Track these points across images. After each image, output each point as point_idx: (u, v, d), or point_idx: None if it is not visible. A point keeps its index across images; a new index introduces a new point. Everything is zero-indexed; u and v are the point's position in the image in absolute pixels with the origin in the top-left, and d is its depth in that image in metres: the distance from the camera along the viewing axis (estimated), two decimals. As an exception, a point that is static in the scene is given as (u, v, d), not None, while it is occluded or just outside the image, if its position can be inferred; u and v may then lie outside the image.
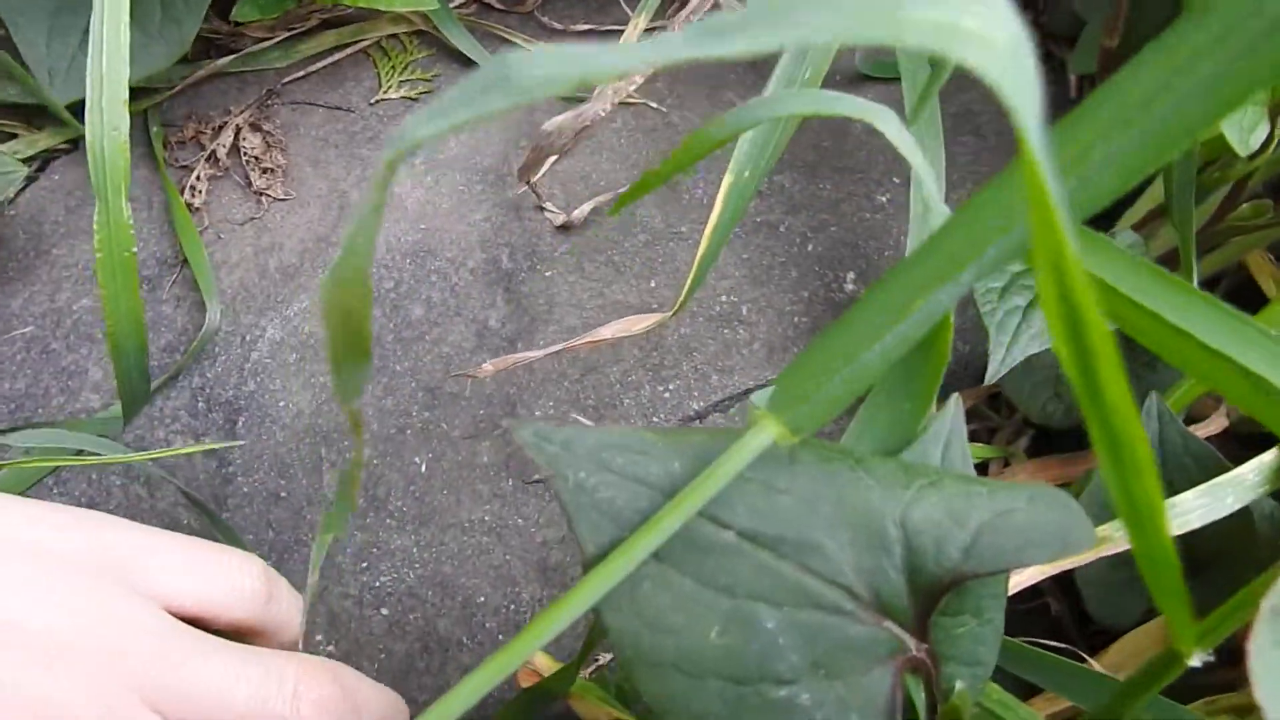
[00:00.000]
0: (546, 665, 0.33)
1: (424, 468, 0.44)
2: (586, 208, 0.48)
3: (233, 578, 0.29)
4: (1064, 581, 0.33)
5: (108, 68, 0.33)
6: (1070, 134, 0.18)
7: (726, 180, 0.35)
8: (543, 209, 0.48)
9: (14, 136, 0.50)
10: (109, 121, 0.32)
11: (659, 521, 0.20)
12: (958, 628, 0.21)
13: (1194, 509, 0.30)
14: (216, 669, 0.26)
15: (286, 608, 0.31)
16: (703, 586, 0.20)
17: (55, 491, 0.43)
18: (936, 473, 0.21)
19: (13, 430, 0.42)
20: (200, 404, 0.45)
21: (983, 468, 0.43)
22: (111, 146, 0.32)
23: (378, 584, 0.43)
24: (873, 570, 0.20)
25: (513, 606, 0.42)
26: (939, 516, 0.20)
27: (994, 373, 0.36)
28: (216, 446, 0.42)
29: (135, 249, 0.34)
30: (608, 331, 0.38)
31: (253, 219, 0.49)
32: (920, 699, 0.21)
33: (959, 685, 0.21)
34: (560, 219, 0.48)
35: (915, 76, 0.42)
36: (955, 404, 0.23)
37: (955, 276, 0.19)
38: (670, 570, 0.20)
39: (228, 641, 0.28)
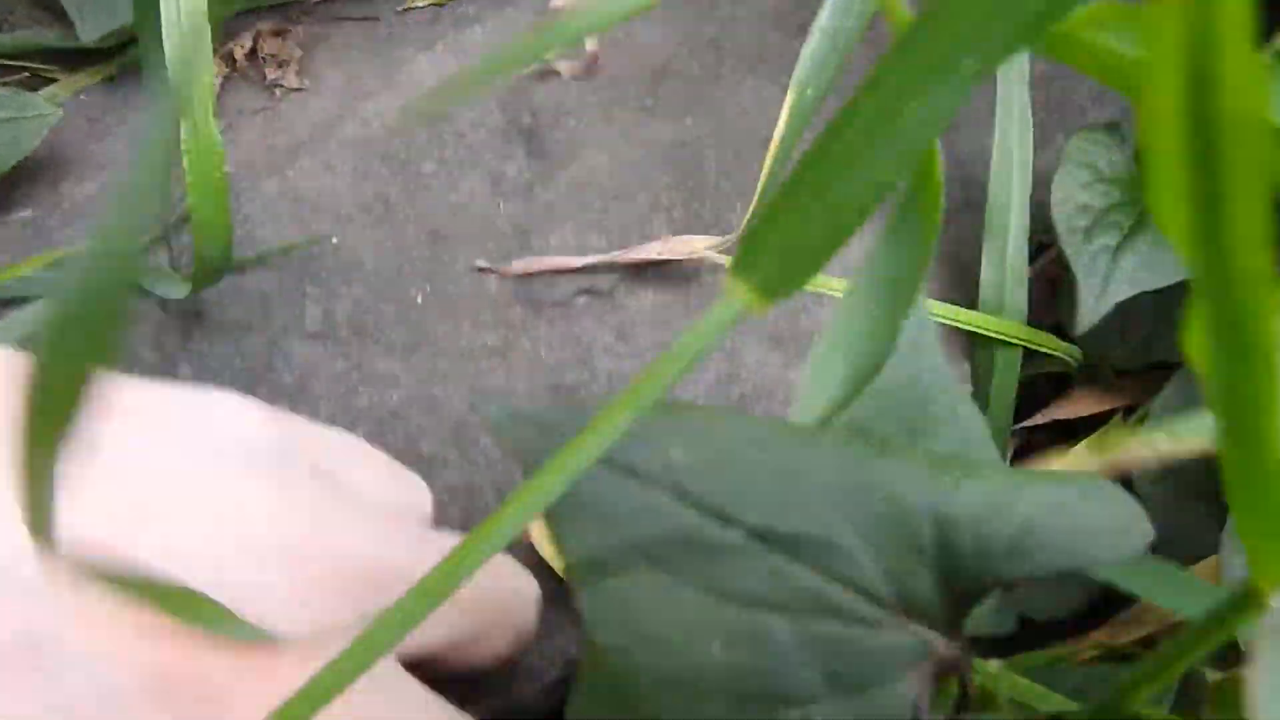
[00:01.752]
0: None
1: (419, 299, 0.42)
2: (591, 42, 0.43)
3: None
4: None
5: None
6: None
7: (790, 98, 0.33)
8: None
9: (54, 81, 0.49)
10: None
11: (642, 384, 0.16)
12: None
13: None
14: None
15: None
16: (705, 594, 0.18)
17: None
18: (975, 463, 0.18)
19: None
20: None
21: (1030, 385, 0.38)
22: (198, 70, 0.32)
23: (354, 405, 0.41)
24: (901, 571, 0.18)
25: (513, 422, 0.41)
26: (978, 511, 0.18)
27: (1087, 321, 0.32)
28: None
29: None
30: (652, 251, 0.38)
31: (265, 108, 0.47)
32: (952, 694, 0.19)
33: (990, 668, 0.20)
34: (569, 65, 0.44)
35: None
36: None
37: (954, 66, 0.14)
38: (665, 577, 0.18)
39: None
